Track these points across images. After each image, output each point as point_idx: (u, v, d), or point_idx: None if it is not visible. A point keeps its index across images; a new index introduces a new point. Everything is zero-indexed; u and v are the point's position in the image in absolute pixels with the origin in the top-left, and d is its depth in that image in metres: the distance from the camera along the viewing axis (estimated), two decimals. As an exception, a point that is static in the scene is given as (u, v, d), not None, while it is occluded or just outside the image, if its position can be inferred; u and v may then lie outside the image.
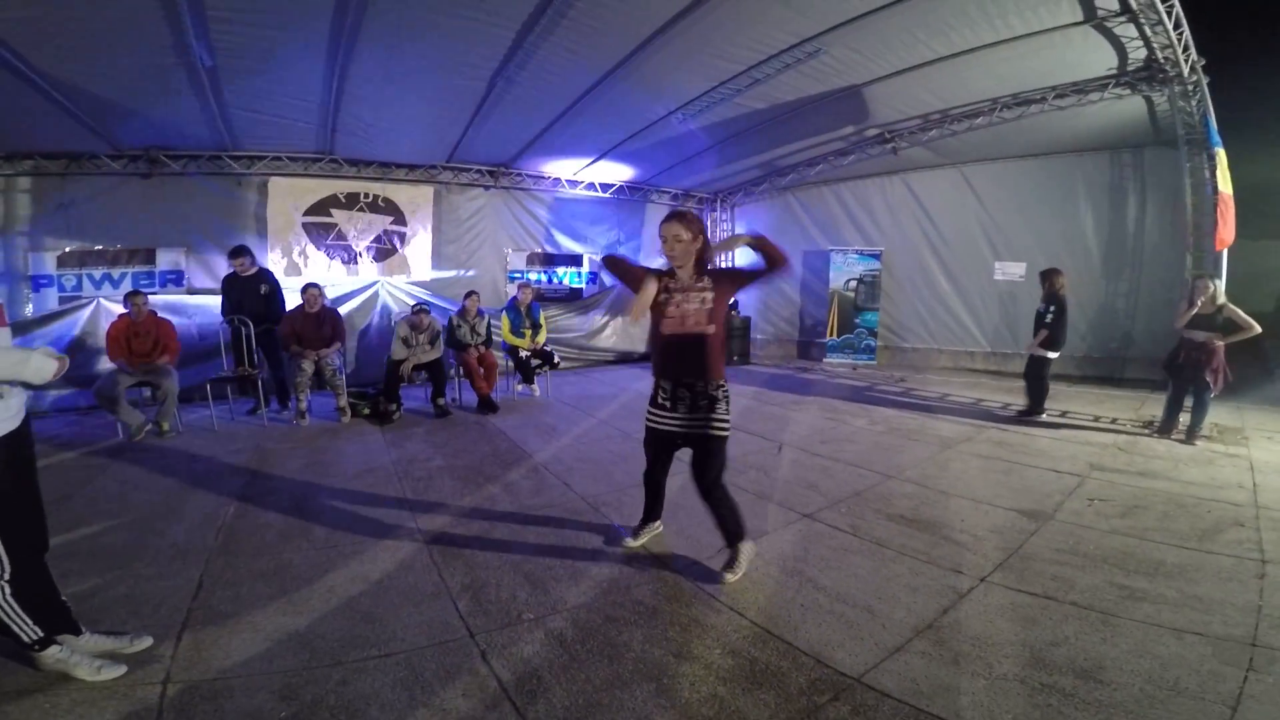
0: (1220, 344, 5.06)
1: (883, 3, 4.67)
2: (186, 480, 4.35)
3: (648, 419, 2.98)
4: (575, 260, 10.08)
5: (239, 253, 6.48)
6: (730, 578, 2.84)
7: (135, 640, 2.28)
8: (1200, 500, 3.88)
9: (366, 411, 6.22)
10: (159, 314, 5.78)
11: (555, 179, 9.39)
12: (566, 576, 2.91)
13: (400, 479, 4.37)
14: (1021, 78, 6.27)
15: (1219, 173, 5.27)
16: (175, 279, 7.29)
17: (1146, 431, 5.57)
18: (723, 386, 2.79)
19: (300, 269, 7.83)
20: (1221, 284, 5.21)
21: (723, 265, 2.89)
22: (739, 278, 2.98)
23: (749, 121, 7.16)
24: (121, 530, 3.47)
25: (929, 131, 7.65)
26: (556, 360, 7.65)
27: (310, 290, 6.14)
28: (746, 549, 2.94)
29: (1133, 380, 7.95)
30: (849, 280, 9.85)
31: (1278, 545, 3.20)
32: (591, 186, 9.74)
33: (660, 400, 2.88)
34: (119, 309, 5.89)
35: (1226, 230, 5.29)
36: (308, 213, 7.90)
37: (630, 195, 10.30)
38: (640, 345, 10.57)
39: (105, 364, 5.91)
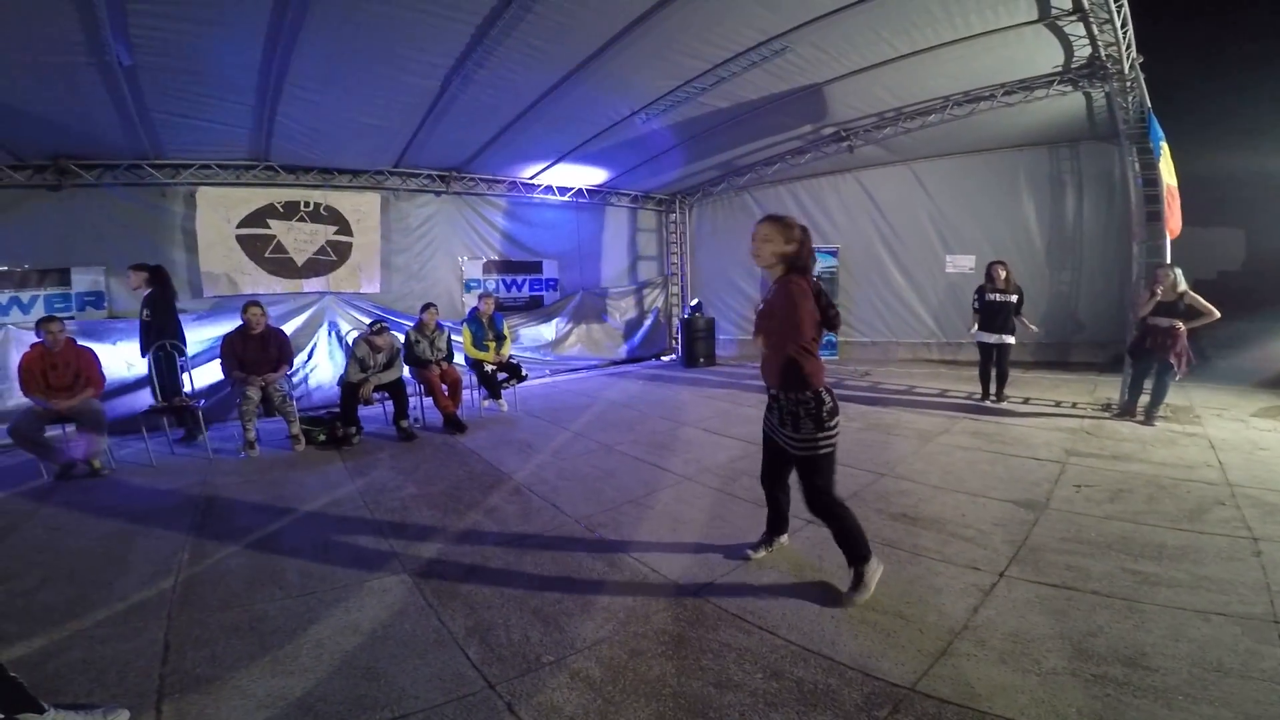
0: (1183, 329, 5.28)
1: (851, 0, 4.67)
2: (128, 523, 3.88)
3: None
4: (535, 267, 9.78)
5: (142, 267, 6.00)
6: (858, 599, 2.67)
7: (110, 714, 1.98)
8: (1177, 481, 4.01)
9: (322, 438, 5.77)
10: (79, 342, 5.17)
11: (511, 183, 9.08)
12: (577, 609, 2.70)
13: (371, 510, 4.03)
14: (973, 75, 6.43)
15: (1164, 165, 5.50)
16: (94, 301, 6.60)
17: (1106, 414, 5.79)
18: (805, 403, 2.65)
19: (237, 286, 7.27)
20: (1180, 272, 5.42)
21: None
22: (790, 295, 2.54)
23: (711, 121, 7.09)
24: (60, 584, 3.05)
25: (884, 129, 7.78)
26: (524, 373, 7.35)
27: (252, 309, 5.63)
28: (872, 568, 2.73)
29: (1078, 364, 8.34)
30: (807, 278, 9.95)
31: (1262, 522, 3.31)
32: (549, 190, 9.47)
33: (770, 403, 2.89)
34: (31, 336, 5.22)
35: (1174, 220, 5.54)
36: (242, 225, 7.33)
37: (589, 199, 10.10)
38: (607, 353, 10.37)
39: (19, 398, 5.24)
